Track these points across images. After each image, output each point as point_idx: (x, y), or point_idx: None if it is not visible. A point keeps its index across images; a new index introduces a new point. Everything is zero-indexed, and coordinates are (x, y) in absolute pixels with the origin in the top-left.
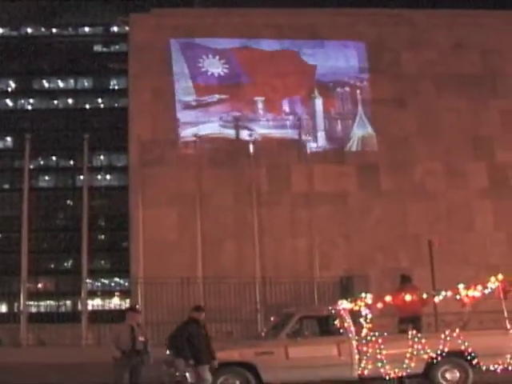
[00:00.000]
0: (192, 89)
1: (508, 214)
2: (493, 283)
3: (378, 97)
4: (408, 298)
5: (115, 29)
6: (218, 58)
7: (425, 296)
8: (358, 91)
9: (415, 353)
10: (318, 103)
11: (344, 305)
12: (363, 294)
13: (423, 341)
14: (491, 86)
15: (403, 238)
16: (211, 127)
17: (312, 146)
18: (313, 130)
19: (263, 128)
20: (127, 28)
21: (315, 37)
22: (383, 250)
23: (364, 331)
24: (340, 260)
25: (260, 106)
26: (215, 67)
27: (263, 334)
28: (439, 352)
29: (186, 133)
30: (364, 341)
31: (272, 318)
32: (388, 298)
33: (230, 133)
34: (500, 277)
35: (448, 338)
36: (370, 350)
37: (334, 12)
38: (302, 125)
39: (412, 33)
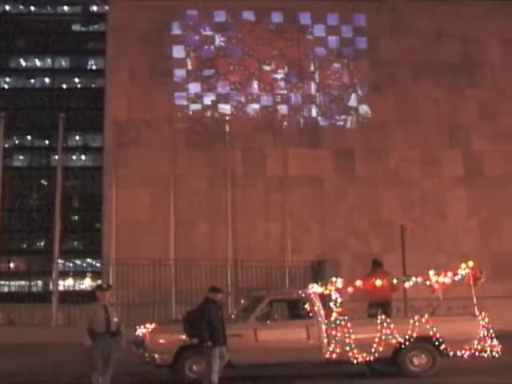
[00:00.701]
0: (188, 62)
1: (481, 202)
2: (463, 270)
3: (354, 83)
4: (378, 282)
5: (94, 8)
6: (215, 31)
7: (395, 281)
8: (355, 68)
9: (384, 337)
10: (316, 78)
11: (314, 289)
12: (334, 278)
13: (392, 326)
14: (469, 75)
15: (376, 223)
16: (207, 101)
17: (308, 122)
18: (308, 105)
19: (257, 103)
20: (106, 7)
21: (296, 21)
22: (356, 235)
23: (333, 315)
24: (312, 244)
25: (256, 80)
26: (213, 40)
27: (233, 317)
28: (407, 337)
29: (182, 106)
30: (333, 325)
31: (242, 301)
32: (358, 283)
33: (225, 108)
34: (471, 263)
35: (416, 324)
36: (339, 334)
37: None
38: (296, 100)
39: (393, 19)
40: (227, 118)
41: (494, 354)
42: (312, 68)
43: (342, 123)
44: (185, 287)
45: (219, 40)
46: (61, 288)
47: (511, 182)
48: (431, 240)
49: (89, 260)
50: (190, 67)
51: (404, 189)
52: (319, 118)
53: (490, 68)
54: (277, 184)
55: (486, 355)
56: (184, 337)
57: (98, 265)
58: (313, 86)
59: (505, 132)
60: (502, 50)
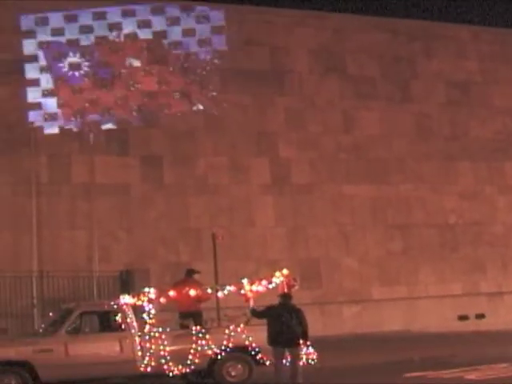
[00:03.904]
0: None
1: (288, 209)
2: (277, 278)
3: (163, 89)
4: (192, 292)
5: None
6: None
7: (209, 291)
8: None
9: (199, 349)
10: (124, 84)
11: (126, 299)
12: (146, 289)
13: (207, 336)
14: (278, 83)
15: (184, 231)
16: (12, 105)
17: (115, 128)
18: (116, 111)
19: (64, 108)
20: None
21: (106, 21)
22: (164, 244)
23: (147, 327)
24: (120, 253)
25: (63, 84)
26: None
27: (41, 331)
28: (223, 347)
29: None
30: (147, 337)
31: (51, 314)
32: (172, 293)
33: (31, 112)
34: (285, 271)
35: (232, 334)
36: (153, 346)
37: None
38: (104, 106)
39: (202, 26)
40: (34, 123)
41: (309, 361)
42: (122, 73)
43: (149, 130)
44: None
45: (27, 43)
46: None
47: (317, 190)
48: (240, 247)
49: None
50: None
51: (212, 196)
52: (127, 124)
53: (298, 76)
54: (83, 192)
55: (301, 363)
56: None
57: None
58: (121, 92)
59: (311, 139)
60: (308, 59)
